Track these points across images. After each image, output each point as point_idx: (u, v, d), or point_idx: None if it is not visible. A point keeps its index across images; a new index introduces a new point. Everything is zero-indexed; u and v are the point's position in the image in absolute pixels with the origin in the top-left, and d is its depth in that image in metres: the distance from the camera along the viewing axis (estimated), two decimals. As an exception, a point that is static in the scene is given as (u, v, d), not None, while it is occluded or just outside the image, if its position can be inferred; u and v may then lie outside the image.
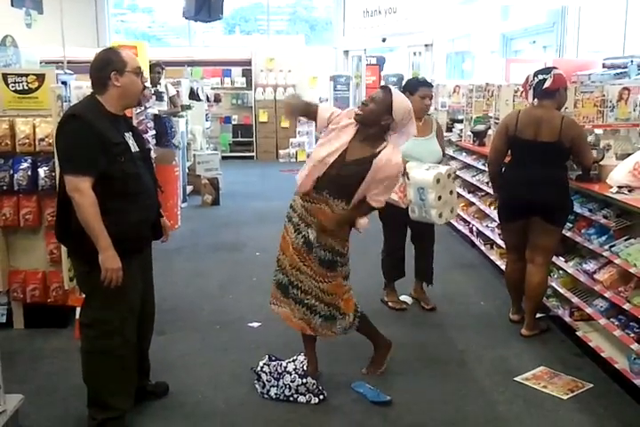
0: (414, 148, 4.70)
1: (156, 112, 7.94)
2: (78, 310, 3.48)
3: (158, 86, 8.26)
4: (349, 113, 3.73)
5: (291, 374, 3.75)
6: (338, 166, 3.60)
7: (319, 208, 3.66)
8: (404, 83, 5.45)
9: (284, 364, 3.84)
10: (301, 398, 3.72)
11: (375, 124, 3.63)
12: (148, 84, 7.17)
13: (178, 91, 9.04)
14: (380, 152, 3.62)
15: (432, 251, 5.32)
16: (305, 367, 3.79)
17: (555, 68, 4.61)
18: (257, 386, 3.83)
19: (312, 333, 3.86)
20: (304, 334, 3.93)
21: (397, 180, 3.82)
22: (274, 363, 3.87)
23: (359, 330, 3.97)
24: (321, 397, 3.72)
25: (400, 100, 3.64)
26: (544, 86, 4.41)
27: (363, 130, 3.66)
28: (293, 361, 3.84)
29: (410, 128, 3.74)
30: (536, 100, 4.50)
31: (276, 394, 3.75)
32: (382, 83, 14.39)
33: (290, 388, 3.72)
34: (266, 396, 3.77)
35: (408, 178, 4.61)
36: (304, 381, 3.72)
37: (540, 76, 4.45)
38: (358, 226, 3.76)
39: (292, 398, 3.72)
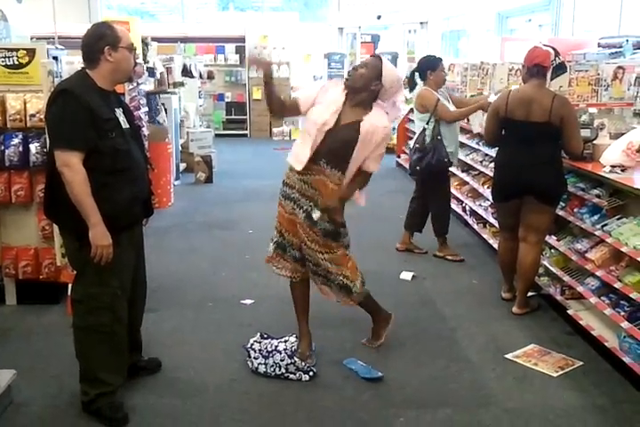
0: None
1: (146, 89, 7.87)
2: (70, 286, 3.48)
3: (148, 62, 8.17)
4: (335, 82, 3.79)
5: (280, 353, 3.77)
6: (331, 132, 3.63)
7: (318, 179, 3.67)
8: (416, 63, 6.11)
9: (275, 343, 3.87)
10: (292, 377, 3.74)
11: (364, 89, 3.66)
12: (140, 60, 7.10)
13: (168, 68, 8.96)
14: (363, 120, 3.65)
15: None
16: (295, 347, 3.82)
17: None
18: (248, 363, 3.85)
19: (333, 298, 3.96)
20: (297, 309, 3.98)
21: (385, 144, 3.79)
22: (265, 341, 3.90)
23: (359, 303, 4.02)
24: (311, 373, 3.74)
25: (390, 68, 3.70)
26: (566, 68, 4.44)
27: (352, 96, 3.68)
28: (285, 341, 3.87)
29: (399, 98, 3.78)
30: (550, 80, 4.49)
31: (265, 372, 3.77)
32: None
33: (280, 367, 3.74)
34: (255, 373, 3.80)
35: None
36: (293, 360, 3.74)
37: (560, 58, 4.44)
38: (359, 200, 3.82)
39: (282, 377, 3.74)
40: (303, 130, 3.81)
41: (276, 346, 3.83)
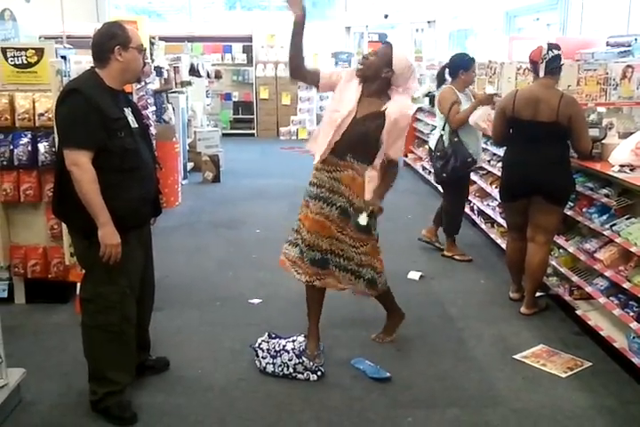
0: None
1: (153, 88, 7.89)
2: (79, 285, 3.48)
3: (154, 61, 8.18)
4: (350, 72, 3.76)
5: (289, 353, 3.77)
6: (352, 125, 3.61)
7: (347, 175, 3.67)
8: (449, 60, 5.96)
9: (282, 342, 3.86)
10: (300, 376, 3.74)
11: (376, 77, 3.64)
12: (148, 59, 7.11)
13: (176, 67, 8.97)
14: (387, 107, 3.63)
15: None
16: (303, 347, 3.81)
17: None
18: (256, 362, 3.85)
19: (360, 294, 4.00)
20: (310, 311, 3.96)
21: (407, 130, 3.80)
22: (273, 341, 3.89)
23: (378, 296, 4.07)
24: (319, 373, 3.74)
25: (400, 54, 3.66)
26: (560, 62, 4.39)
27: (366, 86, 3.67)
28: (293, 341, 3.87)
29: (411, 83, 3.75)
30: (542, 76, 4.44)
31: (273, 371, 3.77)
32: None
33: (288, 366, 3.74)
34: (263, 372, 3.80)
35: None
36: (301, 360, 3.74)
37: (555, 51, 4.38)
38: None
39: (290, 377, 3.74)
40: (324, 120, 3.78)
41: (284, 346, 3.83)
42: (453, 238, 6.03)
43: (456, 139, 5.61)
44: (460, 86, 5.72)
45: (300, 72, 3.76)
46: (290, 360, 3.75)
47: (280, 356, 3.77)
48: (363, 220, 3.61)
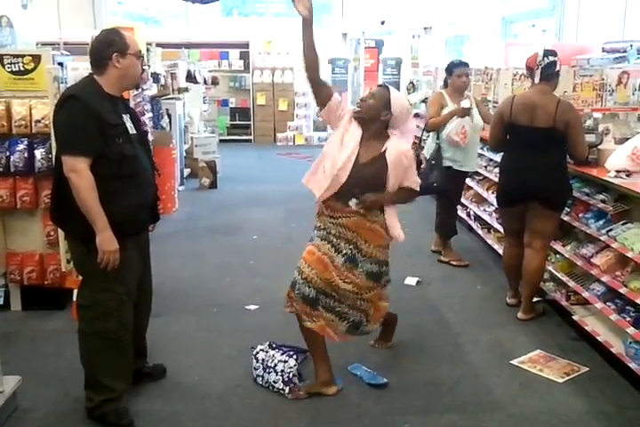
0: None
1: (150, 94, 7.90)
2: (76, 291, 3.48)
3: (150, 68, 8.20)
4: (353, 112, 3.68)
5: (277, 374, 3.67)
6: (355, 170, 3.54)
7: (354, 221, 3.56)
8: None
9: (276, 359, 3.72)
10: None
11: (375, 119, 3.60)
12: (145, 66, 7.13)
13: (172, 73, 8.99)
14: (386, 148, 3.60)
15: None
16: (292, 374, 3.65)
17: (555, 51, 4.58)
18: (252, 369, 3.82)
19: (332, 338, 3.68)
20: (311, 341, 3.69)
21: (414, 165, 3.75)
22: (272, 352, 3.79)
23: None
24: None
25: (398, 96, 3.68)
26: (556, 69, 4.40)
27: (365, 129, 3.63)
28: (285, 362, 3.69)
29: (409, 124, 3.77)
30: (537, 82, 4.46)
31: (261, 385, 3.73)
32: (381, 66, 14.31)
33: (272, 387, 3.68)
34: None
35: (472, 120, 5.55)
36: (284, 388, 3.63)
37: (551, 58, 4.40)
38: (395, 235, 3.71)
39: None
40: (320, 161, 3.69)
41: (276, 364, 3.69)
42: (446, 243, 6.07)
43: (437, 146, 5.70)
44: (450, 91, 5.81)
45: (314, 76, 3.65)
46: (275, 383, 3.66)
47: (269, 373, 3.69)
48: (351, 202, 3.55)
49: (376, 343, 4.21)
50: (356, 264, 3.59)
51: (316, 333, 3.61)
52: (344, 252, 3.58)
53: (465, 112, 5.53)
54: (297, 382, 3.66)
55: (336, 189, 3.55)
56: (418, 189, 3.74)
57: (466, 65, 5.97)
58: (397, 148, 3.61)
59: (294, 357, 3.74)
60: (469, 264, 5.94)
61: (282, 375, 3.66)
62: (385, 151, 3.59)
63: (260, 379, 3.75)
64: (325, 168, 3.59)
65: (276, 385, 3.67)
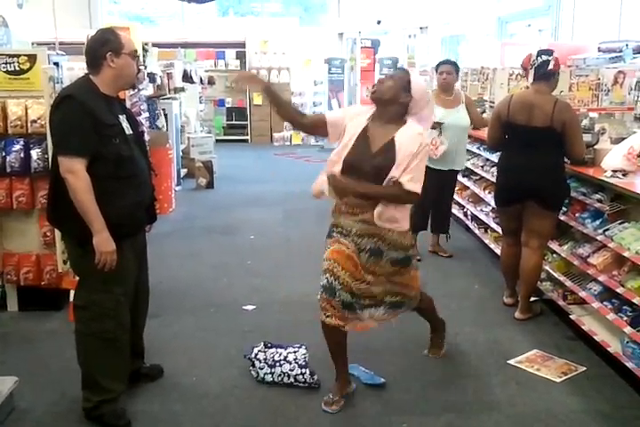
0: (444, 118, 5.67)
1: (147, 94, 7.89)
2: (72, 292, 3.47)
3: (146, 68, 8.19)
4: (358, 108, 3.57)
5: (290, 364, 3.72)
6: (368, 161, 3.37)
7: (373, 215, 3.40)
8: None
9: (283, 353, 3.80)
10: (300, 385, 3.70)
11: (393, 102, 3.41)
12: (142, 66, 7.12)
13: (169, 73, 8.98)
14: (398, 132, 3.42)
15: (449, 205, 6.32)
16: (306, 359, 3.73)
17: (553, 50, 4.59)
18: (252, 373, 3.82)
19: (374, 325, 3.65)
20: (337, 348, 3.57)
21: (423, 157, 3.43)
22: (271, 350, 3.83)
23: (420, 310, 3.97)
24: (316, 386, 3.71)
25: (418, 80, 3.52)
26: (548, 68, 4.39)
27: (382, 110, 3.44)
28: (294, 352, 3.79)
29: (426, 111, 3.55)
30: (532, 82, 4.47)
31: (272, 381, 3.73)
32: (377, 66, 14.30)
33: (289, 376, 3.70)
34: (262, 382, 3.78)
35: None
36: (303, 371, 3.69)
37: (544, 57, 4.40)
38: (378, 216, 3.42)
39: (290, 386, 3.71)
40: (332, 161, 3.49)
41: (285, 356, 3.76)
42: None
43: None
44: (437, 91, 5.89)
45: (299, 124, 3.63)
46: (291, 371, 3.69)
47: (281, 366, 3.72)
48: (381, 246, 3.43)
49: (430, 353, 4.12)
50: (381, 255, 3.45)
51: (341, 337, 3.53)
52: (368, 247, 3.42)
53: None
54: (312, 372, 3.69)
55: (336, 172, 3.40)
56: (412, 188, 3.34)
57: (447, 63, 5.99)
58: (407, 131, 3.40)
59: (303, 346, 3.82)
60: (453, 255, 6.17)
61: (296, 362, 3.70)
62: (393, 140, 3.39)
63: (269, 376, 3.74)
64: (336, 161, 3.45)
65: (292, 373, 3.68)
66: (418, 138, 3.39)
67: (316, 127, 3.60)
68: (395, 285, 3.57)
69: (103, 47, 3.16)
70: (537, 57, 4.42)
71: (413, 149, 3.35)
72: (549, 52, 4.47)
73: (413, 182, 3.36)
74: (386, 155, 3.37)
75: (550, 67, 4.39)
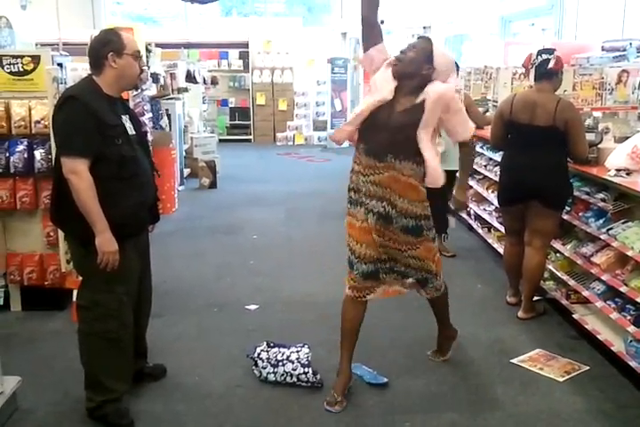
0: None
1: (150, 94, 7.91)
2: (75, 292, 3.48)
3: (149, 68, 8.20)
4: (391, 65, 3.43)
5: (293, 363, 3.72)
6: (388, 121, 3.34)
7: (387, 176, 3.36)
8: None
9: (286, 352, 3.81)
10: (303, 385, 3.71)
11: (415, 74, 3.34)
12: (145, 66, 7.13)
13: (172, 73, 8.99)
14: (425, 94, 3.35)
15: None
16: (309, 358, 3.74)
17: (554, 49, 4.58)
18: (255, 372, 3.82)
19: (406, 291, 3.68)
20: (344, 335, 3.63)
21: (459, 105, 3.44)
22: (274, 350, 3.84)
23: (435, 306, 3.89)
24: (319, 386, 3.71)
25: (441, 49, 3.42)
26: (548, 66, 4.38)
27: (404, 83, 3.37)
28: (297, 351, 3.80)
29: (452, 80, 3.47)
30: (534, 81, 4.47)
31: (275, 380, 3.74)
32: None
33: (292, 375, 3.70)
34: (265, 381, 3.78)
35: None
36: (306, 370, 3.70)
37: (544, 56, 4.40)
38: (434, 178, 3.45)
39: (293, 385, 3.72)
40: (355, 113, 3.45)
41: (288, 356, 3.77)
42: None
43: None
44: None
45: (368, 13, 3.44)
46: (294, 370, 3.70)
47: (283, 365, 3.73)
48: (390, 208, 3.39)
49: (432, 355, 4.09)
50: (390, 221, 3.41)
51: (356, 321, 3.60)
52: (375, 210, 3.40)
53: None
54: (315, 372, 3.69)
55: (354, 128, 3.40)
56: (467, 138, 3.48)
57: None
58: (435, 88, 3.33)
59: (306, 346, 3.83)
60: (456, 255, 6.15)
61: (299, 361, 3.71)
62: (423, 101, 3.32)
63: (271, 376, 3.74)
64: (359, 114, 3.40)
65: (295, 372, 3.69)
66: (447, 90, 3.36)
67: (370, 36, 3.49)
68: (409, 258, 3.52)
69: (105, 48, 3.17)
70: (537, 56, 4.42)
71: (445, 101, 3.33)
72: (550, 51, 4.46)
73: (464, 130, 3.49)
74: (411, 116, 3.33)
75: (550, 65, 4.38)
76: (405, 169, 3.37)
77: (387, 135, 3.34)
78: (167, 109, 8.59)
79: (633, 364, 3.68)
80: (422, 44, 3.39)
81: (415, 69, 3.34)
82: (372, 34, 3.48)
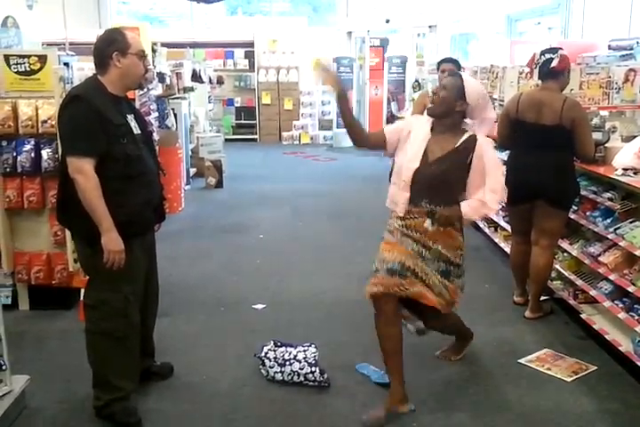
0: None
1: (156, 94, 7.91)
2: (83, 291, 3.49)
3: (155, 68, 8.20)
4: (414, 116, 3.49)
5: (300, 362, 3.73)
6: (423, 170, 3.34)
7: (422, 222, 3.36)
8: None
9: (293, 352, 3.81)
10: (310, 384, 3.71)
11: (450, 112, 3.38)
12: (151, 66, 7.13)
13: (178, 73, 9.00)
14: (474, 139, 3.39)
15: None
16: (316, 358, 3.75)
17: (560, 48, 4.57)
18: (262, 371, 3.83)
19: (432, 302, 3.44)
20: (386, 354, 3.52)
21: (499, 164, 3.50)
22: (281, 349, 3.85)
23: (443, 331, 3.95)
24: (326, 385, 3.71)
25: (472, 83, 3.42)
26: (551, 66, 4.37)
27: (439, 122, 3.41)
28: (305, 351, 3.81)
29: (488, 113, 3.47)
30: (539, 80, 4.47)
31: (282, 380, 3.74)
32: (386, 65, 14.28)
33: (299, 375, 3.71)
34: (272, 381, 3.78)
35: None
36: (313, 369, 3.70)
37: (547, 55, 4.39)
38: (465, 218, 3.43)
39: (300, 384, 3.72)
40: (395, 173, 3.47)
41: (295, 355, 3.77)
42: None
43: None
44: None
45: (362, 141, 3.52)
46: (301, 369, 3.70)
47: (291, 364, 3.73)
48: (427, 224, 3.37)
49: (442, 355, 4.08)
50: (423, 261, 3.39)
51: (396, 336, 3.45)
52: (410, 248, 3.39)
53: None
54: (322, 371, 3.68)
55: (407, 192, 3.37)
56: (491, 204, 3.37)
57: (449, 61, 5.93)
58: (484, 142, 3.39)
59: (313, 345, 3.83)
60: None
61: (306, 361, 3.71)
62: (472, 142, 3.37)
63: (279, 375, 3.74)
64: (398, 173, 3.42)
65: (302, 371, 3.69)
66: (487, 145, 3.42)
67: (378, 143, 3.52)
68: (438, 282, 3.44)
69: (109, 47, 3.17)
70: (540, 55, 4.42)
71: (495, 160, 3.42)
72: (554, 51, 4.45)
73: (496, 197, 3.41)
74: (446, 163, 3.34)
75: (554, 64, 4.36)
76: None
77: (423, 183, 3.34)
78: (173, 109, 8.59)
79: (641, 364, 3.68)
80: (452, 82, 3.40)
81: (448, 108, 3.37)
82: (377, 145, 3.52)
